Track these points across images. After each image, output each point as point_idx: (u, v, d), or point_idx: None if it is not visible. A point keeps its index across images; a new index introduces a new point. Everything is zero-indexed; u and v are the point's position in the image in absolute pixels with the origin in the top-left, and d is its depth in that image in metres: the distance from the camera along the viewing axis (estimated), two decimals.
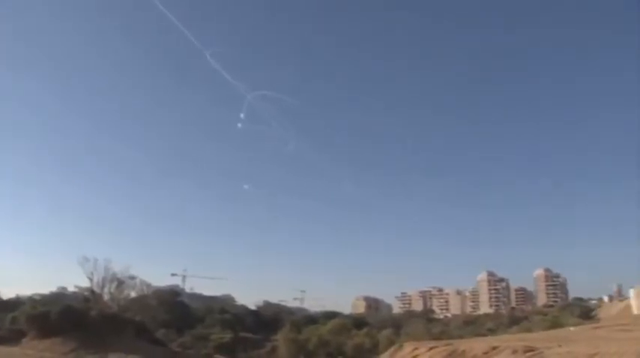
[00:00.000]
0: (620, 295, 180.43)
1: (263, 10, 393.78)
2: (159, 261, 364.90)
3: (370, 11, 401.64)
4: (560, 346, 47.01)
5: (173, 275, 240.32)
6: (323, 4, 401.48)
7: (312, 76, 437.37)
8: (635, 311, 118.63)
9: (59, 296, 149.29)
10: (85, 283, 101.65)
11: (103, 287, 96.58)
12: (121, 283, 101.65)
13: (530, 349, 45.68)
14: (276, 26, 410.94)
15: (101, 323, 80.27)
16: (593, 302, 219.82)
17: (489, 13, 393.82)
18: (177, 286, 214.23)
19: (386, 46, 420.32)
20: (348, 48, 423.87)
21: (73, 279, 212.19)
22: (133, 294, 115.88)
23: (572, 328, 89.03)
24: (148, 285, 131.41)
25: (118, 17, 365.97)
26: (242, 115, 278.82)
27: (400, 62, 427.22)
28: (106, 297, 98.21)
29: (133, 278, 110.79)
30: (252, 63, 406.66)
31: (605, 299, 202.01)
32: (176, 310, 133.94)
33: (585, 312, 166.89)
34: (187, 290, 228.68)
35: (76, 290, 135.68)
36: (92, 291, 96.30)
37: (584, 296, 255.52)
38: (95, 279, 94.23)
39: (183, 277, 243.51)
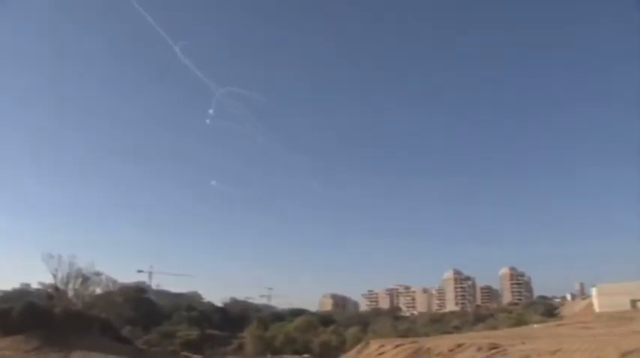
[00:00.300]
0: (583, 293, 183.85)
1: (235, 6, 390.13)
2: (125, 258, 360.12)
3: (341, 8, 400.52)
4: (523, 343, 47.78)
5: (139, 271, 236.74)
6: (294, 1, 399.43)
7: (281, 73, 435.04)
8: (597, 309, 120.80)
9: (22, 293, 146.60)
10: (49, 280, 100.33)
11: (67, 283, 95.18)
12: (85, 279, 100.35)
13: (494, 346, 46.36)
14: (247, 22, 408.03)
15: (65, 320, 79.05)
16: (557, 300, 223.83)
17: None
18: (143, 283, 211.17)
19: (355, 43, 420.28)
20: (319, 45, 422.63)
21: (37, 276, 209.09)
22: (98, 291, 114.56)
23: (535, 325, 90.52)
24: (114, 282, 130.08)
25: (85, 11, 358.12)
26: (211, 111, 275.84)
27: (370, 58, 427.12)
28: (70, 294, 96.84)
29: (98, 274, 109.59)
30: (222, 59, 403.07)
31: (569, 297, 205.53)
32: (142, 307, 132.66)
33: (549, 310, 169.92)
34: (154, 287, 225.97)
35: (39, 286, 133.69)
36: (56, 288, 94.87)
37: (548, 294, 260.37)
38: (59, 276, 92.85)
39: (150, 274, 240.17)
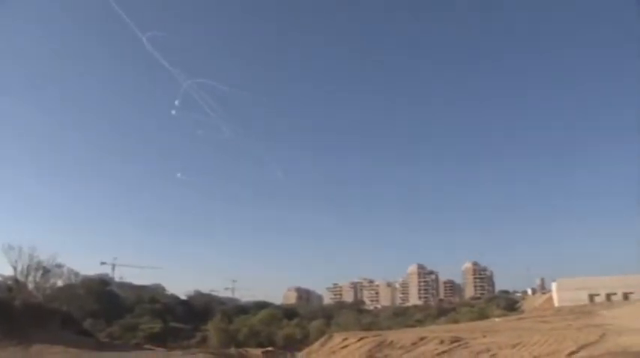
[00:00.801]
0: (543, 288, 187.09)
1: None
2: (88, 250, 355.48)
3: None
4: (485, 336, 48.60)
5: (102, 263, 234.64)
6: None
7: (249, 64, 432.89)
8: (556, 304, 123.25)
9: None
10: (8, 272, 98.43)
11: (27, 276, 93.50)
12: (46, 272, 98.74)
13: (456, 339, 47.05)
14: (214, 12, 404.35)
15: (25, 313, 77.60)
16: (518, 294, 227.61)
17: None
18: (106, 275, 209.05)
19: (329, 35, 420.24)
20: (289, 35, 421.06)
21: None
22: (59, 283, 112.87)
23: (497, 319, 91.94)
24: (76, 274, 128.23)
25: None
26: (177, 102, 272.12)
27: (343, 49, 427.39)
28: (30, 286, 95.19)
29: (59, 266, 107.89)
30: (190, 49, 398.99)
31: (529, 292, 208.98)
32: (105, 299, 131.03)
33: (510, 304, 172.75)
34: (117, 279, 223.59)
35: None
36: (16, 280, 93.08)
37: (510, 289, 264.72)
38: (19, 268, 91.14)
39: (113, 266, 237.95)
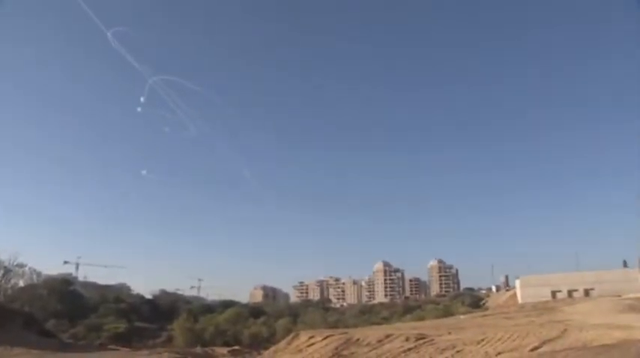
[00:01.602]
0: (507, 285, 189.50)
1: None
2: (50, 248, 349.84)
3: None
4: (450, 333, 49.07)
5: (66, 263, 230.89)
6: None
7: (216, 62, 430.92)
8: (520, 300, 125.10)
9: None
10: None
11: None
12: (7, 272, 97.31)
13: (421, 336, 47.44)
14: (182, 8, 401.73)
15: None
16: (483, 291, 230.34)
17: None
18: (70, 275, 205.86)
19: (297, 32, 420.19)
20: (256, 32, 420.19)
21: None
22: (21, 283, 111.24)
23: (462, 316, 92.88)
24: (39, 274, 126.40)
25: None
26: (142, 99, 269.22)
27: (313, 44, 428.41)
28: None
29: (21, 266, 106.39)
30: (156, 45, 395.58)
31: (494, 289, 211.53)
32: (68, 299, 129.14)
33: (475, 301, 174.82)
34: (81, 278, 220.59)
35: None
36: None
37: (475, 286, 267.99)
38: None
39: (77, 265, 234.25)
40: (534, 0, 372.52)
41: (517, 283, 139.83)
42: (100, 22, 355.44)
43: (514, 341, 40.74)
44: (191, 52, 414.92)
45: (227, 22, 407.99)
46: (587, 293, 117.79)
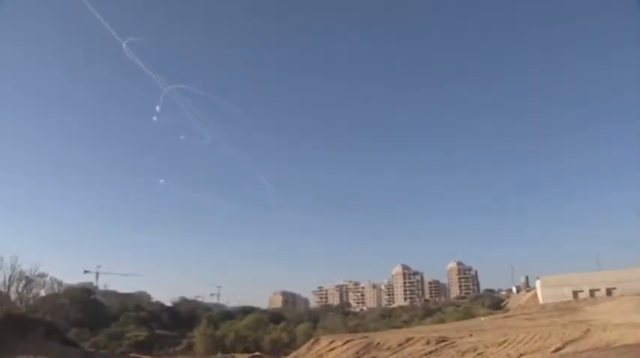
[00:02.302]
0: (528, 286, 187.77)
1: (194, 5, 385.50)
2: (71, 259, 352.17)
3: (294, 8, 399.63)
4: (471, 335, 48.81)
5: (86, 272, 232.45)
6: None
7: (237, 73, 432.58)
8: (541, 301, 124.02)
9: None
10: None
11: (9, 286, 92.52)
12: (29, 282, 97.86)
13: (442, 339, 47.23)
14: (204, 22, 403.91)
15: (8, 324, 76.70)
16: (503, 293, 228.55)
17: None
18: (90, 284, 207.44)
19: (309, 42, 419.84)
20: (271, 43, 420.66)
21: None
22: (42, 293, 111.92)
23: (482, 318, 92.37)
24: (60, 283, 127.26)
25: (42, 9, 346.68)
26: (158, 108, 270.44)
27: (326, 52, 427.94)
28: (13, 297, 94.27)
29: (42, 276, 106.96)
30: (172, 55, 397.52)
31: (514, 290, 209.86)
32: (89, 308, 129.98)
33: (495, 303, 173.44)
34: (101, 287, 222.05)
35: None
36: None
37: (495, 287, 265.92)
38: (1, 278, 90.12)
39: (97, 274, 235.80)
40: (534, 0, 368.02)
41: (538, 283, 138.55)
42: (103, 23, 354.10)
43: (536, 342, 40.44)
44: (192, 53, 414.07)
45: (228, 22, 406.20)
46: (609, 292, 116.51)
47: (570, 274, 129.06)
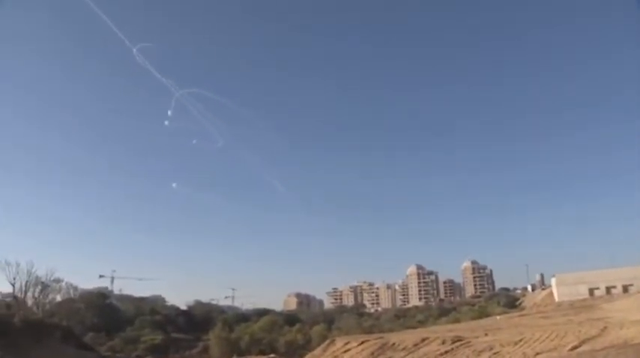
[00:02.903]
0: (543, 284, 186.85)
1: (197, 7, 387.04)
2: (86, 263, 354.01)
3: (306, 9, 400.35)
4: (486, 334, 48.58)
5: (101, 276, 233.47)
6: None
7: (243, 75, 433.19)
8: (556, 299, 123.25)
9: None
10: (7, 288, 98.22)
11: (26, 292, 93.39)
12: (45, 287, 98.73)
13: (458, 339, 47.02)
14: (207, 24, 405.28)
15: (25, 329, 77.34)
16: (518, 291, 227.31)
17: None
18: (105, 288, 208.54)
19: (320, 45, 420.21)
20: (281, 46, 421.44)
21: None
22: (58, 298, 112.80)
23: (498, 317, 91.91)
24: (75, 288, 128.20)
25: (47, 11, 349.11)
26: (169, 112, 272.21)
27: (341, 54, 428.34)
28: (30, 302, 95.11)
29: (58, 281, 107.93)
30: (182, 60, 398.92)
31: (529, 288, 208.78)
32: (105, 313, 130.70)
33: (511, 301, 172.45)
34: (116, 291, 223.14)
35: None
36: (15, 297, 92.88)
37: (510, 286, 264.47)
38: (18, 284, 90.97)
39: (112, 278, 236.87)
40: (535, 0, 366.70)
41: (553, 281, 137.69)
42: (113, 28, 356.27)
43: (552, 340, 40.17)
44: (197, 55, 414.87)
45: (230, 23, 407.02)
46: (625, 289, 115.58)
47: (586, 271, 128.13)
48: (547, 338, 41.26)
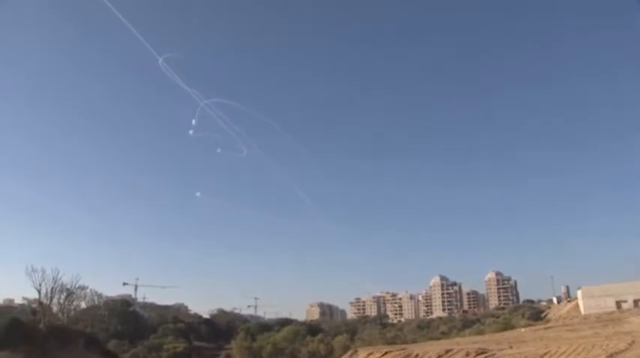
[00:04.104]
0: (569, 296, 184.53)
1: (220, 16, 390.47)
2: (110, 271, 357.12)
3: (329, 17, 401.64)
4: (511, 347, 47.94)
5: (125, 284, 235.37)
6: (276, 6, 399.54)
7: (266, 84, 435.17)
8: (583, 312, 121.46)
9: (6, 309, 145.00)
10: (33, 295, 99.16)
11: (51, 298, 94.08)
12: (70, 294, 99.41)
13: (482, 351, 46.45)
14: (230, 33, 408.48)
15: (50, 335, 78.20)
16: (543, 303, 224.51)
17: None
18: (129, 296, 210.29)
19: (343, 52, 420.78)
20: (306, 55, 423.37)
21: (21, 291, 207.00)
22: (83, 305, 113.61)
23: (523, 329, 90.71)
24: (99, 295, 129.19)
25: (74, 20, 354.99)
26: (194, 121, 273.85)
27: (368, 63, 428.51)
28: (55, 309, 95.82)
29: (83, 288, 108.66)
30: (207, 69, 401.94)
31: (555, 300, 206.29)
32: (128, 320, 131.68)
33: (536, 314, 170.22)
34: (140, 299, 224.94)
35: (23, 302, 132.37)
36: (40, 303, 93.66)
37: (534, 298, 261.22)
38: (43, 291, 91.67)
39: (136, 286, 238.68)
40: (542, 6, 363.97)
41: (579, 294, 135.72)
42: (139, 37, 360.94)
43: (579, 354, 39.53)
44: (225, 67, 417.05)
45: (248, 28, 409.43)
46: None
47: (613, 284, 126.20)
48: (574, 351, 40.60)
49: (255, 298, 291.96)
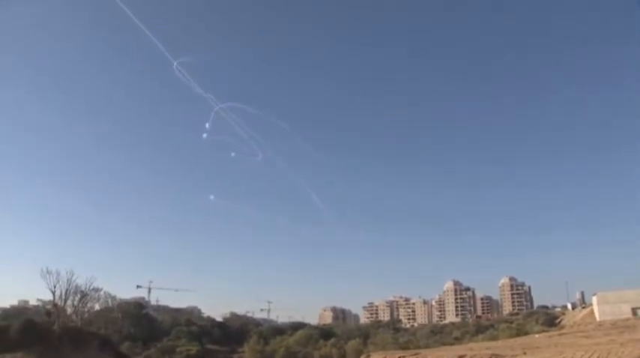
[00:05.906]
0: (583, 302, 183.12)
1: (235, 21, 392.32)
2: (124, 273, 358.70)
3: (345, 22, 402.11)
4: (525, 353, 47.56)
5: (139, 287, 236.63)
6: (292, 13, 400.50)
7: (281, 87, 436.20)
8: (597, 318, 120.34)
9: (20, 310, 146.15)
10: (47, 296, 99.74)
11: (66, 300, 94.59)
12: (84, 296, 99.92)
13: (495, 356, 46.12)
14: (245, 37, 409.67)
15: (64, 337, 78.56)
16: (557, 309, 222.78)
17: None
18: (142, 298, 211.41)
19: (357, 57, 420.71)
20: (320, 60, 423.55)
21: (36, 292, 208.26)
22: (97, 307, 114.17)
23: (537, 335, 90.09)
24: (113, 298, 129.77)
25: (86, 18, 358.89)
26: (207, 125, 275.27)
27: (370, 68, 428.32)
28: (69, 310, 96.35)
29: (97, 290, 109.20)
30: (221, 73, 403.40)
31: (569, 306, 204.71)
32: (141, 323, 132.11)
33: (550, 320, 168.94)
34: (153, 302, 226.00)
35: (38, 303, 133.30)
36: (55, 305, 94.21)
37: (549, 304, 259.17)
38: (58, 292, 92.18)
39: (149, 289, 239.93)
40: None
41: (594, 300, 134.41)
42: (154, 40, 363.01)
43: None
44: (239, 70, 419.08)
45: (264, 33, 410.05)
46: None
47: (629, 290, 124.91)
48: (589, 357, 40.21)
49: (268, 302, 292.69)
